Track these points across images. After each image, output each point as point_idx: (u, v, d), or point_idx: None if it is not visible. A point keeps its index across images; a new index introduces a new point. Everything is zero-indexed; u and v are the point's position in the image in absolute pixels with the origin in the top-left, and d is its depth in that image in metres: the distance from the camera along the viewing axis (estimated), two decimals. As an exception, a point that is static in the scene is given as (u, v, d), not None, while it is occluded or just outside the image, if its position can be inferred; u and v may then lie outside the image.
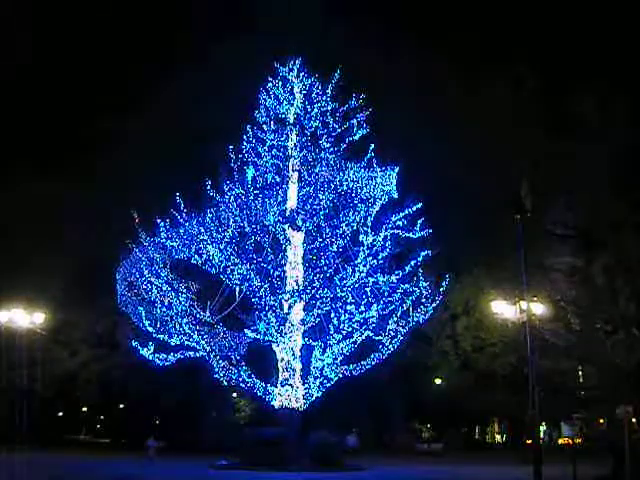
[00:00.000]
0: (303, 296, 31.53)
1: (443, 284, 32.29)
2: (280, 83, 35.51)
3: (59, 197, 50.91)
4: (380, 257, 31.71)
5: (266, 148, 34.10)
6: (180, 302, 31.32)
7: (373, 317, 31.15)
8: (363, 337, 31.62)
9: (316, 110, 34.36)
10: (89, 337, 53.06)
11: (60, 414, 60.41)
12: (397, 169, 32.36)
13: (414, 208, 31.94)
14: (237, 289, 32.25)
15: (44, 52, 66.43)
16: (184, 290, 31.53)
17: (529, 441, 35.61)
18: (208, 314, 31.74)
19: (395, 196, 32.26)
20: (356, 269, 31.58)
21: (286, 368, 32.16)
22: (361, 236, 32.21)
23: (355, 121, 33.86)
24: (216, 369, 31.97)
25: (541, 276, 27.70)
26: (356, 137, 33.96)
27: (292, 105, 35.18)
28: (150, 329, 32.20)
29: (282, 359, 32.38)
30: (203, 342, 31.61)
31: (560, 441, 51.75)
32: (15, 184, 48.29)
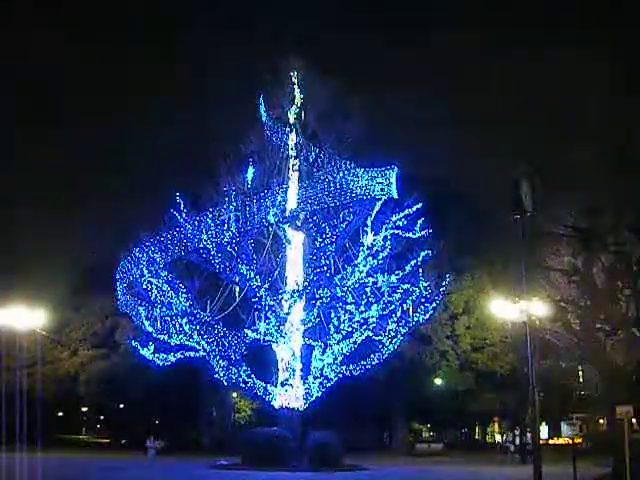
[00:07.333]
0: (303, 296, 31.51)
1: (443, 284, 32.32)
2: (280, 83, 35.47)
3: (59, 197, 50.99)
4: (380, 257, 31.68)
5: (266, 148, 34.09)
6: (180, 302, 31.35)
7: (373, 317, 31.13)
8: (363, 337, 31.62)
9: (316, 110, 34.33)
10: (89, 337, 53.01)
11: (60, 414, 60.31)
12: (397, 169, 32.30)
13: (414, 208, 31.94)
14: (237, 289, 32.26)
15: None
16: (184, 290, 31.53)
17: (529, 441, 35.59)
18: (208, 314, 31.74)
19: (395, 196, 32.21)
20: (356, 269, 31.56)
21: (286, 368, 32.15)
22: (361, 236, 32.21)
23: (355, 121, 33.79)
24: (216, 369, 31.97)
25: (541, 276, 27.68)
26: (356, 137, 33.90)
27: (292, 105, 35.16)
28: (150, 329, 32.22)
29: (282, 359, 32.39)
30: (203, 342, 31.61)
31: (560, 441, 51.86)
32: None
